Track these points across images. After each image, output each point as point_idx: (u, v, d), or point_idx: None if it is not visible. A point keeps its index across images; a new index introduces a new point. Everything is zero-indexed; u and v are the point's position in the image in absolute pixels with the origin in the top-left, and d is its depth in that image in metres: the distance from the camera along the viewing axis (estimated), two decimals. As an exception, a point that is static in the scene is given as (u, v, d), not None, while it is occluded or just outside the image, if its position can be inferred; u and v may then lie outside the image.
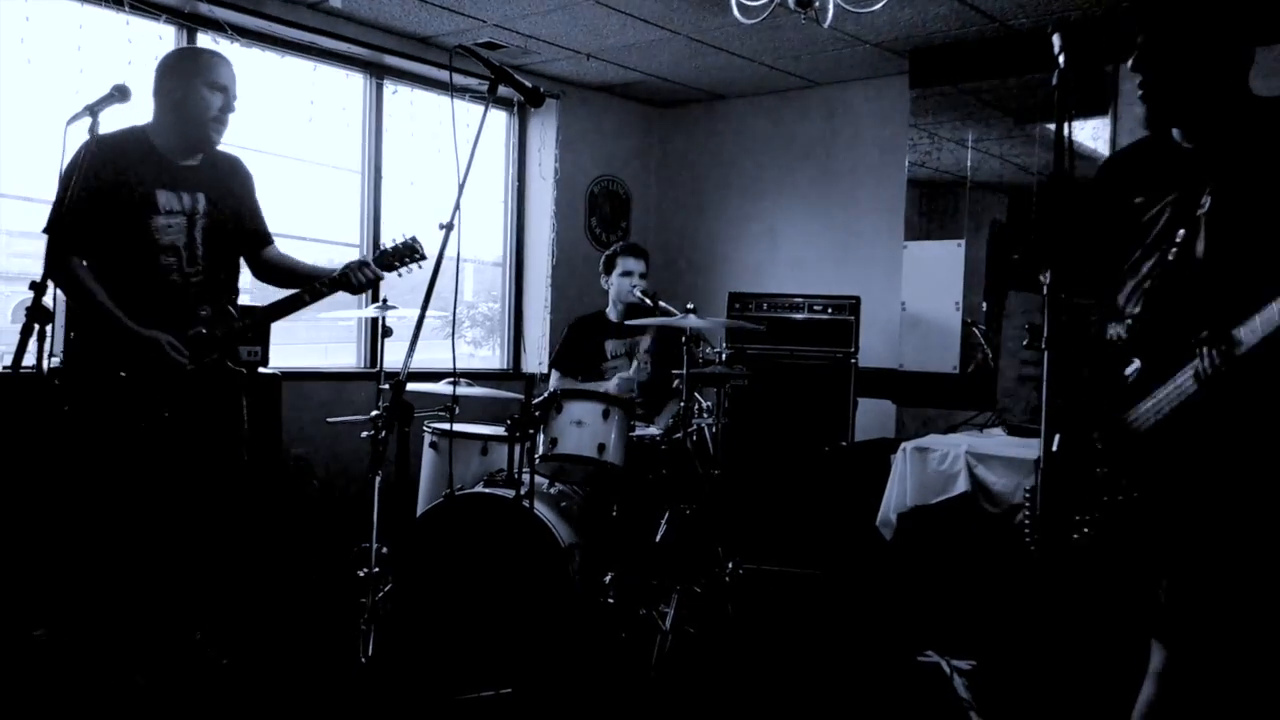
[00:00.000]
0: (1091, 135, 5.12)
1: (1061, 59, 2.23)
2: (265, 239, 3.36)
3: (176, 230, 3.07)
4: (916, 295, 5.74)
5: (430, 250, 3.31)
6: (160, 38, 4.77)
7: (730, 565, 4.13)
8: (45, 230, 2.99)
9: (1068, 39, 2.26)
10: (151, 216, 3.03)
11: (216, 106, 3.11)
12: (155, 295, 3.04)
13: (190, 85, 3.07)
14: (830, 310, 5.43)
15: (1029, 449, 3.97)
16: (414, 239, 3.42)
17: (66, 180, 2.90)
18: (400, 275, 3.43)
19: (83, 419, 3.01)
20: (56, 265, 2.96)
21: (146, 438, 3.00)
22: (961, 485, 4.08)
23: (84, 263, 3.01)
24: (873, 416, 5.68)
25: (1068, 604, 2.35)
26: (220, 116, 3.13)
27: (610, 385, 4.31)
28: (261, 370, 4.47)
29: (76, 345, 3.07)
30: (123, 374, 2.98)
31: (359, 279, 3.27)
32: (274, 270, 3.37)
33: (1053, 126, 2.29)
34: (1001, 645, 3.51)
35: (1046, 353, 2.20)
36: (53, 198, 2.97)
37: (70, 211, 2.91)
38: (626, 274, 4.51)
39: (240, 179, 3.30)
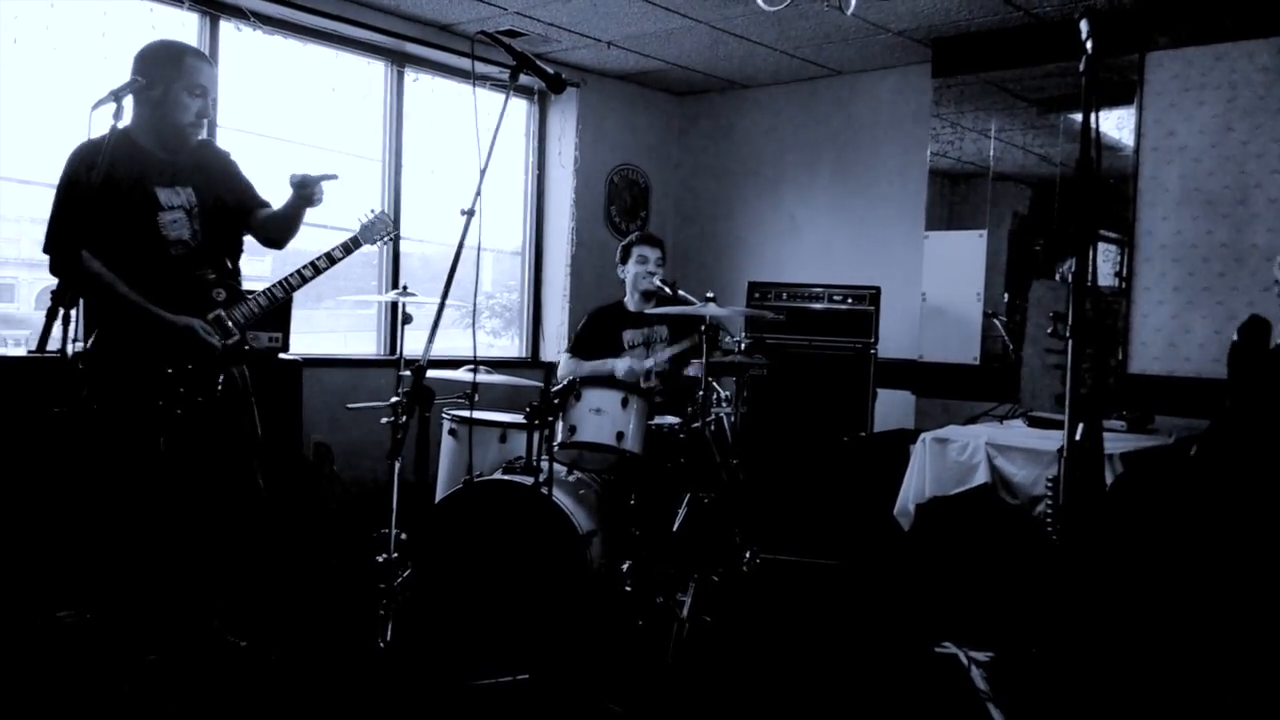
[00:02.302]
0: (1116, 125, 5.07)
1: (1088, 46, 2.21)
2: (257, 204, 3.34)
3: (180, 224, 3.14)
4: (937, 286, 5.70)
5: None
6: (183, 25, 4.79)
7: (748, 555, 4.12)
8: (46, 248, 2.99)
9: (1095, 26, 2.23)
10: (157, 213, 3.10)
11: (195, 111, 3.12)
12: (172, 286, 3.10)
13: (170, 89, 3.07)
14: (850, 300, 5.41)
15: (1049, 440, 3.95)
16: (384, 212, 3.58)
17: (61, 191, 2.96)
18: (378, 248, 3.62)
19: (118, 410, 3.04)
20: (67, 267, 2.92)
21: (180, 424, 3.05)
22: (981, 476, 4.07)
23: (93, 258, 3.00)
24: (892, 407, 5.66)
25: (1088, 595, 2.34)
26: (198, 121, 3.15)
27: (620, 366, 4.29)
28: (282, 356, 4.49)
29: (104, 340, 3.06)
30: (170, 370, 3.03)
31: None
32: (273, 226, 3.35)
33: (1077, 117, 2.28)
34: (1019, 637, 3.49)
35: (1071, 341, 2.19)
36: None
37: (71, 216, 2.93)
38: (642, 261, 4.51)
39: (217, 163, 3.32)
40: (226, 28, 4.99)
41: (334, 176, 3.26)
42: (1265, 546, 2.12)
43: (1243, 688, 2.11)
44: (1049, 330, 4.17)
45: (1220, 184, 4.80)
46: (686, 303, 4.21)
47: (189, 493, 3.10)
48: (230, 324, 3.18)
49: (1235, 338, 2.13)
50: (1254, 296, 4.61)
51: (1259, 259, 4.65)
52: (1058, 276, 5.22)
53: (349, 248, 3.44)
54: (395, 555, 3.48)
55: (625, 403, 3.75)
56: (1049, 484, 3.68)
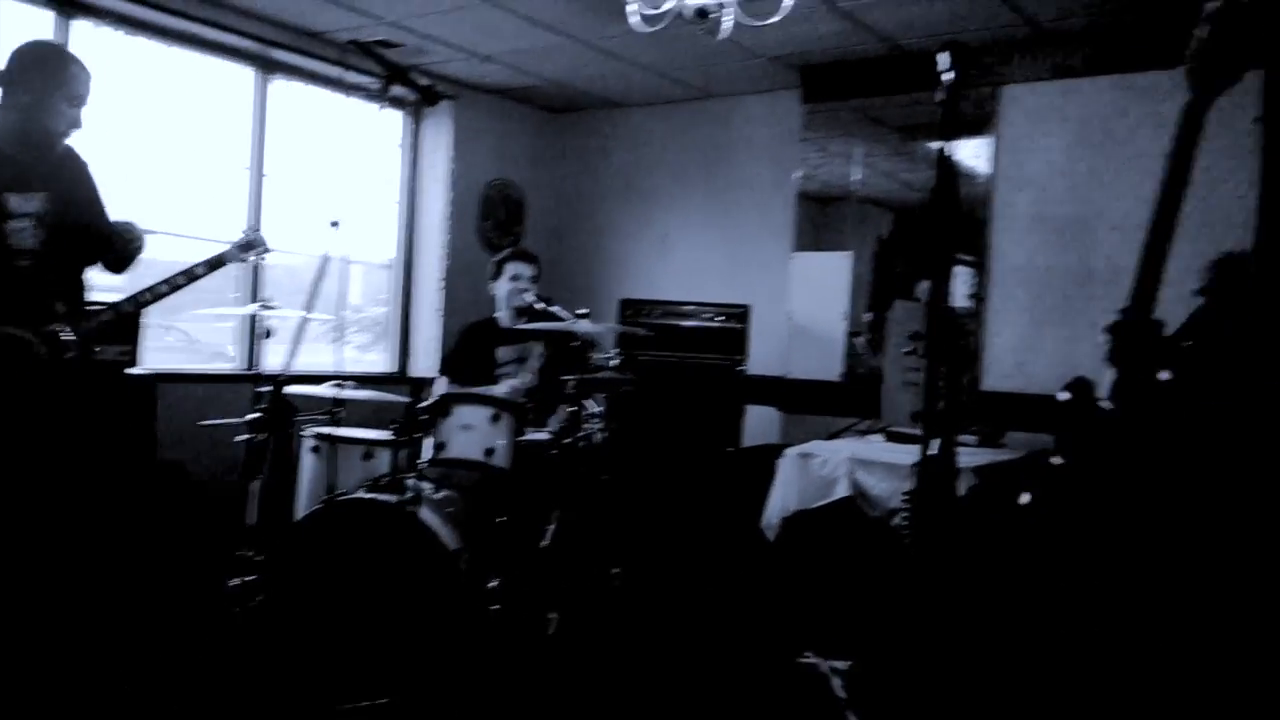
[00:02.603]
0: (974, 154, 5.30)
1: (948, 77, 2.31)
2: (103, 229, 3.24)
3: (27, 233, 2.99)
4: (804, 305, 5.85)
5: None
6: (34, 23, 4.55)
7: (616, 570, 4.13)
8: None
9: (956, 58, 2.33)
10: (5, 222, 2.95)
11: (69, 120, 3.04)
12: (13, 297, 2.95)
13: (47, 96, 2.98)
14: (720, 318, 5.50)
15: (908, 454, 4.07)
16: (258, 232, 3.57)
17: None
18: (247, 262, 3.59)
19: None
20: None
21: (13, 441, 2.90)
22: (842, 490, 4.18)
23: None
24: (760, 423, 5.76)
25: (942, 603, 2.42)
26: (68, 131, 3.07)
27: (500, 390, 4.27)
28: (134, 372, 4.29)
29: None
30: None
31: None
32: (109, 260, 3.29)
33: (937, 145, 2.36)
34: (878, 645, 3.59)
35: (927, 360, 2.27)
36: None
37: None
38: (515, 278, 4.48)
39: (77, 173, 3.20)
40: (80, 28, 4.76)
41: (130, 224, 3.25)
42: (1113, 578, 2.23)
43: (1094, 693, 2.21)
44: (907, 350, 4.32)
45: (1067, 211, 5.07)
46: (559, 319, 4.20)
47: (17, 513, 2.95)
48: (68, 338, 3.02)
49: (1062, 395, 2.23)
50: (1096, 318, 4.85)
51: (1100, 283, 4.92)
52: (917, 297, 5.41)
53: (213, 265, 3.35)
54: (252, 578, 3.37)
55: (496, 418, 3.72)
56: (904, 497, 3.80)
